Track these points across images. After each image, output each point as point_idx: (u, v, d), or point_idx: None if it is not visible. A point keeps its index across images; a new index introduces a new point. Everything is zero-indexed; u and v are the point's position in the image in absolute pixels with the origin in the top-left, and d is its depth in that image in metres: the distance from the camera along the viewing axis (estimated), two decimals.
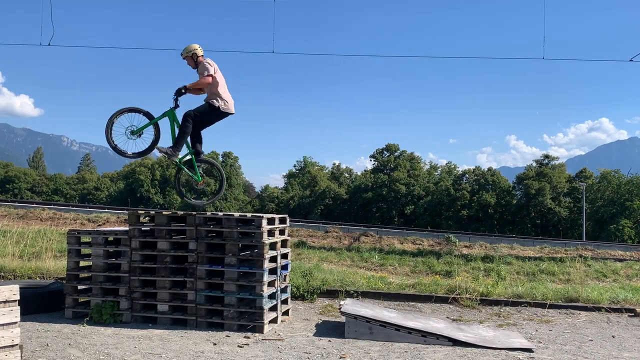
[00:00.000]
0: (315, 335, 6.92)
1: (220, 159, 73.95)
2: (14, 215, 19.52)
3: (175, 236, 7.35)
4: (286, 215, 8.43)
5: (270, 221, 7.43)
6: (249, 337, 6.56)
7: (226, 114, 7.59)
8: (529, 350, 6.33)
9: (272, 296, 7.29)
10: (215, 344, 6.20)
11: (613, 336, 7.36)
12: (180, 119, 7.46)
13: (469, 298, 9.11)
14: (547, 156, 63.27)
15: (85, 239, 7.66)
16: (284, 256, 8.02)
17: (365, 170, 71.08)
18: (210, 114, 7.52)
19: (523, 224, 58.23)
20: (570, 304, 9.07)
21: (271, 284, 7.31)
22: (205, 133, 7.81)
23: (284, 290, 7.94)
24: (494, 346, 6.41)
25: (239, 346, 6.15)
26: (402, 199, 64.41)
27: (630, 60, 16.86)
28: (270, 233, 7.37)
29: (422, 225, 51.82)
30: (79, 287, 7.63)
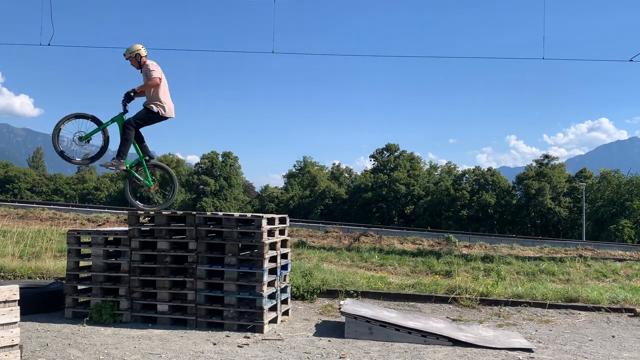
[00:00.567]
0: (315, 335, 6.92)
1: (220, 158, 73.96)
2: (14, 215, 19.51)
3: (175, 236, 7.35)
4: (286, 215, 8.43)
5: (270, 221, 7.43)
6: (248, 337, 6.56)
7: (165, 118, 7.57)
8: (529, 350, 6.33)
9: (272, 296, 7.29)
10: (215, 344, 6.20)
11: (613, 336, 7.36)
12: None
13: (469, 298, 9.11)
14: (547, 156, 63.30)
15: (85, 239, 7.66)
16: (284, 256, 8.02)
17: (365, 170, 71.10)
18: (150, 119, 7.49)
19: (523, 224, 58.26)
20: (570, 304, 9.08)
21: (271, 284, 7.31)
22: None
23: (283, 290, 7.94)
24: (493, 346, 6.41)
25: (238, 346, 6.15)
26: (402, 199, 64.44)
27: (630, 60, 16.88)
28: (270, 233, 7.37)
29: (422, 225, 51.84)
30: (79, 287, 7.63)
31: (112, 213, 22.03)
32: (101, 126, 7.48)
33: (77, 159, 7.57)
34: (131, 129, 7.38)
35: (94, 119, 7.51)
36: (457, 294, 9.24)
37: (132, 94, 7.44)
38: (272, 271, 7.37)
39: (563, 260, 16.22)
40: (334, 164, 76.58)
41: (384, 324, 6.70)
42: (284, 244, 8.05)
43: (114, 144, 7.58)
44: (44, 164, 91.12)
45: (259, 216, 7.10)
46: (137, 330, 6.77)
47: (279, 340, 6.54)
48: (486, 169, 64.13)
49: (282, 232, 8.09)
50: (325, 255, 15.27)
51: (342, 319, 7.09)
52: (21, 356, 4.93)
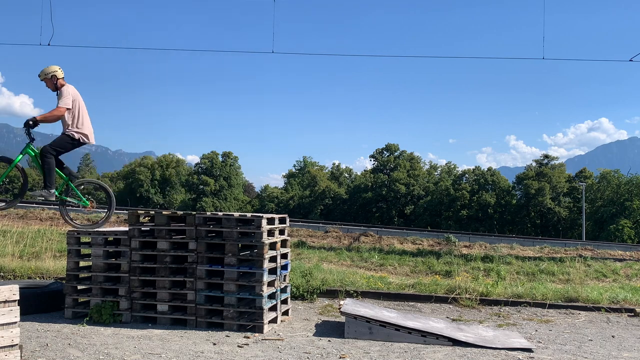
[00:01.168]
0: (315, 335, 6.92)
1: (220, 158, 73.97)
2: (14, 215, 19.51)
3: (175, 236, 7.35)
4: (286, 215, 8.43)
5: (270, 221, 7.43)
6: (248, 337, 6.56)
7: (84, 144, 7.55)
8: (529, 350, 6.34)
9: (271, 296, 7.29)
10: (215, 344, 6.20)
11: (613, 336, 7.37)
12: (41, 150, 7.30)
13: (469, 298, 9.11)
14: (546, 156, 63.31)
15: (85, 239, 7.66)
16: (284, 256, 8.02)
17: (365, 170, 71.12)
18: (70, 146, 7.43)
19: (523, 223, 58.28)
20: (570, 303, 9.08)
21: (271, 283, 7.31)
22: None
23: (283, 290, 7.94)
24: (493, 346, 6.41)
25: (238, 346, 6.15)
26: (401, 199, 64.46)
27: (630, 60, 16.87)
28: (270, 233, 7.37)
29: (421, 225, 51.85)
30: (79, 287, 7.63)
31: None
32: (12, 164, 7.34)
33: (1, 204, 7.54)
34: (50, 157, 7.26)
35: (3, 159, 7.39)
36: (457, 294, 9.24)
37: (31, 122, 7.28)
38: (272, 271, 7.37)
39: (563, 260, 16.22)
40: (333, 164, 76.65)
41: (384, 324, 6.70)
42: (284, 244, 8.05)
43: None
44: None
45: (259, 216, 7.10)
46: (137, 330, 6.77)
47: (278, 340, 6.54)
48: (486, 169, 64.16)
49: (282, 232, 8.09)
50: (325, 255, 15.27)
51: (342, 319, 7.09)
52: (21, 356, 4.93)
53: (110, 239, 7.63)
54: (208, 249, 7.20)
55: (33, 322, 6.99)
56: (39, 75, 7.44)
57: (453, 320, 8.07)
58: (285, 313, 7.97)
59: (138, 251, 7.27)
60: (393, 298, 9.31)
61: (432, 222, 56.22)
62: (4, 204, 7.77)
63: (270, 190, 73.20)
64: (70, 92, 7.36)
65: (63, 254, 11.84)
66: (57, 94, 7.40)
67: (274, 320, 7.37)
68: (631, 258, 18.32)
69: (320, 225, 23.07)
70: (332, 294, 9.34)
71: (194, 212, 7.25)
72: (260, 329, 6.86)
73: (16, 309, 4.84)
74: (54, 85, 7.43)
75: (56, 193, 7.49)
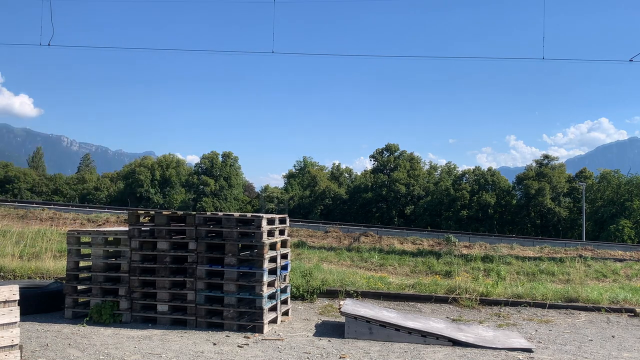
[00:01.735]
0: (315, 335, 6.92)
1: (220, 159, 73.93)
2: (14, 215, 19.51)
3: (175, 236, 7.34)
4: (286, 216, 8.43)
5: (270, 221, 7.43)
6: (248, 337, 6.55)
7: None
8: (529, 350, 6.33)
9: (271, 296, 7.29)
10: (215, 344, 6.19)
11: (613, 336, 7.36)
12: None
13: (469, 298, 9.11)
14: (546, 156, 63.24)
15: (85, 239, 7.66)
16: (284, 256, 8.02)
17: (365, 171, 71.08)
18: None
19: (523, 224, 58.22)
20: (570, 304, 9.07)
21: (271, 284, 7.31)
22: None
23: (283, 291, 7.94)
24: (493, 346, 6.41)
25: (238, 346, 6.15)
26: (402, 199, 64.41)
27: (630, 61, 16.87)
28: (270, 233, 7.37)
29: (422, 225, 51.82)
30: (79, 287, 7.63)
31: (112, 213, 22.02)
32: None
33: None
34: None
35: None
36: (457, 294, 9.24)
37: None
38: (272, 271, 7.37)
39: (563, 261, 16.22)
40: (334, 164, 76.57)
41: (384, 324, 6.70)
42: (284, 244, 8.04)
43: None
44: (44, 164, 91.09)
45: (259, 216, 7.10)
46: (137, 331, 6.77)
47: (279, 340, 6.54)
48: (486, 169, 64.10)
49: (282, 232, 8.08)
50: (325, 255, 15.27)
51: (342, 319, 7.08)
52: (21, 356, 4.93)
53: (110, 238, 7.63)
54: (208, 249, 7.20)
55: (33, 322, 6.99)
56: None
57: (453, 320, 8.07)
58: (286, 313, 7.97)
59: (138, 251, 7.27)
60: (393, 298, 9.30)
61: (432, 222, 56.17)
62: None
63: (270, 191, 73.18)
64: None
65: (63, 254, 11.85)
66: None
67: (274, 321, 7.37)
68: (631, 258, 18.32)
69: (321, 225, 23.07)
70: (332, 294, 9.34)
71: (194, 212, 7.26)
72: (260, 329, 6.86)
73: (16, 309, 4.84)
74: None
75: None
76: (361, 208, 64.43)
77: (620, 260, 17.39)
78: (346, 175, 74.46)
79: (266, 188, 75.69)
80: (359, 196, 64.92)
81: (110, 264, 7.50)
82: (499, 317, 8.49)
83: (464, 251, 18.26)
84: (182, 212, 7.36)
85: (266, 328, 6.95)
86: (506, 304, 9.11)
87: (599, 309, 8.89)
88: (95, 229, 7.78)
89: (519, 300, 9.21)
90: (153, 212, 7.58)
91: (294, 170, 77.06)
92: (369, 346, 6.36)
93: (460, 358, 5.95)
